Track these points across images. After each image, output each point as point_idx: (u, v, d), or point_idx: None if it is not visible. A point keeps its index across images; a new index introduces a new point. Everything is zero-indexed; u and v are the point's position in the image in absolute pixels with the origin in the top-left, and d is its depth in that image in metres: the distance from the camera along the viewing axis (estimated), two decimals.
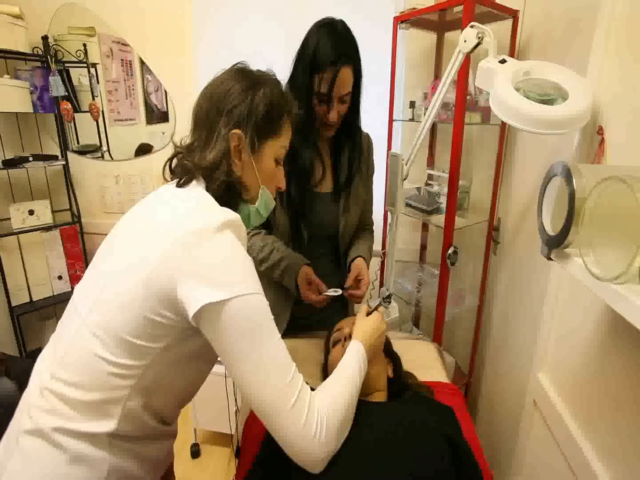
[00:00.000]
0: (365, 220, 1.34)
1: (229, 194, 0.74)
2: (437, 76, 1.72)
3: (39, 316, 2.26)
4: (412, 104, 1.61)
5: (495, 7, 1.35)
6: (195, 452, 1.89)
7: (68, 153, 2.19)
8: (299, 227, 1.16)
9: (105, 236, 0.75)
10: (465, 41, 1.00)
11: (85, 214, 2.25)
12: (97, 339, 0.64)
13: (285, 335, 1.19)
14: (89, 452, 0.64)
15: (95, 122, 2.21)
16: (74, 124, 2.24)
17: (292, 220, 1.15)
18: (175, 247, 0.62)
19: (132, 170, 2.25)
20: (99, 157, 2.28)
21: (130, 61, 2.14)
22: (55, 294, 2.22)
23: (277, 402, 0.62)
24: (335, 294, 1.11)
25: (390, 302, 1.26)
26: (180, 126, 2.16)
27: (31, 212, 2.07)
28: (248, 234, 1.16)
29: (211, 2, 1.95)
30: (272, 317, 0.66)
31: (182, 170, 0.74)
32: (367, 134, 1.26)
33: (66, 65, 2.12)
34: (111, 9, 2.05)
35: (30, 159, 2.01)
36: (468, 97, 1.37)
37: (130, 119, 2.23)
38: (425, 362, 1.21)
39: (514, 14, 1.42)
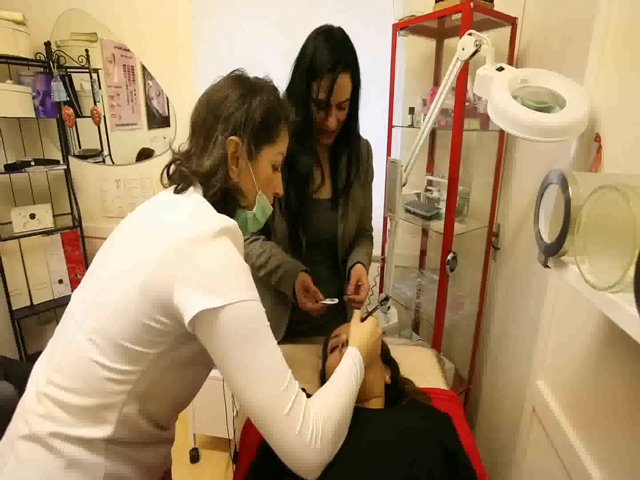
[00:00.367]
0: (365, 226, 1.34)
1: (226, 200, 0.74)
2: (437, 82, 1.72)
3: (39, 320, 2.26)
4: (411, 110, 1.62)
5: (494, 15, 1.36)
6: (194, 457, 1.88)
7: (69, 157, 2.21)
8: (297, 233, 1.16)
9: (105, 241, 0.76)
10: (463, 49, 1.01)
11: (86, 218, 2.26)
12: (93, 344, 0.64)
13: (283, 341, 1.20)
14: (85, 457, 0.64)
15: (96, 127, 2.22)
16: (76, 129, 2.26)
17: (291, 226, 1.15)
18: (171, 254, 0.62)
19: (132, 175, 2.26)
20: (100, 162, 2.29)
21: (132, 66, 2.15)
22: (55, 297, 2.23)
23: (272, 409, 0.61)
24: (332, 302, 1.10)
25: (388, 307, 1.27)
26: (181, 131, 2.17)
27: (32, 216, 2.08)
28: (247, 240, 1.16)
29: (210, 7, 1.97)
30: (268, 323, 0.66)
31: (179, 176, 0.74)
32: (367, 140, 1.26)
33: (68, 70, 2.15)
34: (112, 15, 2.07)
35: (32, 163, 2.03)
36: (467, 104, 1.37)
37: (132, 124, 2.24)
38: (423, 369, 1.21)
39: (512, 22, 1.43)
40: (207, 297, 0.60)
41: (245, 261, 0.68)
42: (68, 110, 2.11)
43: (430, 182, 1.71)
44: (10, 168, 1.98)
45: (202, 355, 0.66)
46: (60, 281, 2.23)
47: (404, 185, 1.20)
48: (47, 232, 2.13)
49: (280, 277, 1.13)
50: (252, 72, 0.81)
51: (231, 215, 0.73)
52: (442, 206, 1.56)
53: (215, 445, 1.96)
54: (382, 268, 1.61)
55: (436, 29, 1.61)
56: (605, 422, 0.75)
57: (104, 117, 2.21)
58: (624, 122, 0.75)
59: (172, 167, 0.77)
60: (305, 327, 1.23)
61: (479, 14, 1.29)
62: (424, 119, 1.17)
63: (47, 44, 2.03)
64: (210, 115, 0.73)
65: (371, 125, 1.29)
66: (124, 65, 2.15)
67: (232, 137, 0.71)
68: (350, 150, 1.18)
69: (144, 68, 2.14)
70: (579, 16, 1.04)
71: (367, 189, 1.30)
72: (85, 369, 0.65)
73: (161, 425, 0.76)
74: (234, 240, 0.67)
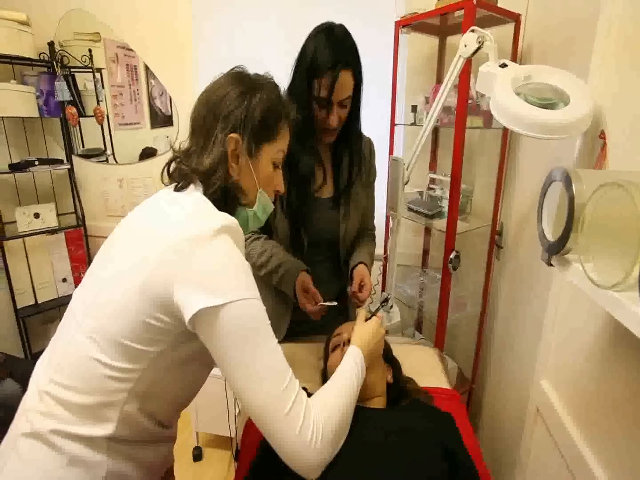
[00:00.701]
0: (367, 225, 1.33)
1: (226, 198, 0.74)
2: (439, 80, 1.71)
3: (43, 318, 2.28)
4: (413, 108, 1.61)
5: (497, 12, 1.35)
6: (197, 456, 1.89)
7: (73, 157, 2.22)
8: (299, 232, 1.16)
9: None
10: (465, 46, 1.00)
11: (89, 217, 2.27)
12: (93, 342, 0.64)
13: (284, 340, 1.20)
14: (86, 455, 0.64)
15: (100, 126, 2.23)
16: (79, 128, 2.26)
17: (292, 225, 1.15)
18: (171, 254, 0.62)
19: (135, 174, 2.27)
20: (103, 161, 2.30)
21: (135, 66, 2.16)
22: (59, 296, 2.25)
23: (272, 409, 0.61)
24: (332, 304, 1.09)
25: (391, 306, 1.26)
26: (184, 130, 2.17)
27: (36, 216, 2.10)
28: (248, 238, 1.16)
29: (210, 7, 1.97)
30: (269, 322, 0.65)
31: (179, 175, 0.74)
32: (369, 138, 1.25)
33: (72, 70, 2.15)
34: (115, 15, 2.08)
35: (36, 162, 2.04)
36: (470, 101, 1.36)
37: (135, 123, 2.24)
38: (425, 368, 1.20)
39: (516, 18, 1.41)
40: (207, 296, 0.60)
41: (246, 260, 0.67)
42: (71, 110, 2.12)
43: (432, 181, 1.70)
44: (14, 168, 1.99)
45: (203, 354, 0.66)
46: (64, 280, 2.25)
47: (406, 183, 1.19)
48: (51, 231, 2.14)
49: (281, 276, 1.12)
50: (253, 69, 0.80)
51: (232, 213, 0.72)
52: (445, 204, 1.55)
53: (218, 443, 1.96)
54: (385, 267, 1.60)
55: (438, 26, 1.60)
56: (609, 422, 0.74)
57: (107, 116, 2.21)
58: (627, 118, 0.74)
59: (173, 165, 0.77)
60: (305, 326, 1.23)
61: (482, 11, 1.28)
62: (426, 117, 1.16)
63: (51, 44, 2.04)
64: (210, 113, 0.72)
65: (373, 124, 1.28)
66: (127, 64, 2.15)
67: (232, 135, 0.71)
68: (352, 149, 1.18)
69: (146, 67, 2.14)
70: (583, 14, 1.03)
71: (370, 188, 1.29)
72: (85, 367, 0.65)
73: (163, 423, 0.76)
74: (234, 238, 0.67)
